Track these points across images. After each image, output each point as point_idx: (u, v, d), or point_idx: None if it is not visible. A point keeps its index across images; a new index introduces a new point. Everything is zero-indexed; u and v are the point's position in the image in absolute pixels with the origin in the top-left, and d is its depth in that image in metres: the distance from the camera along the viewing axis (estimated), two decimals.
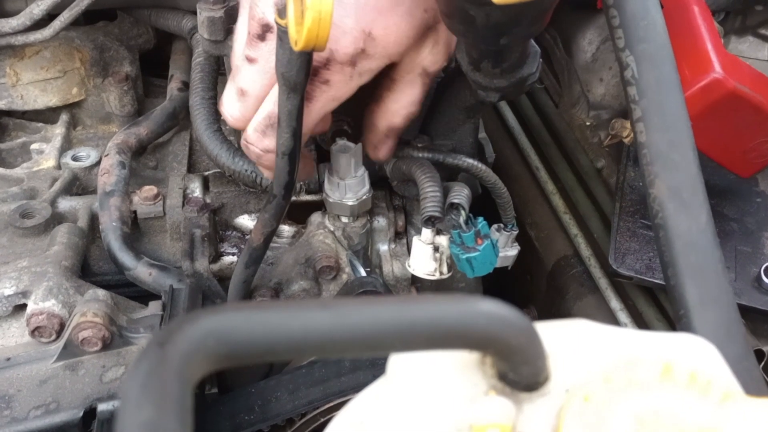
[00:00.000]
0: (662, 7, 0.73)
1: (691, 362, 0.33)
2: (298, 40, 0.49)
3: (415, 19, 0.59)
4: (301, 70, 0.54)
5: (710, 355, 0.34)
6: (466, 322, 0.30)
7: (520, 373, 0.32)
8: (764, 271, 0.82)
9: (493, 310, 0.30)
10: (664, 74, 0.55)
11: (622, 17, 0.56)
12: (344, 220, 0.76)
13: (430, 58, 0.63)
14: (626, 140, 0.90)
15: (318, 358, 0.66)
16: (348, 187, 0.72)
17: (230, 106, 0.64)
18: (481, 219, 0.70)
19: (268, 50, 0.59)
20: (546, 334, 0.33)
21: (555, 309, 0.95)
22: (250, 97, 0.62)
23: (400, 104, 0.66)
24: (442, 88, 0.75)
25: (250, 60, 0.60)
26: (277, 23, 0.53)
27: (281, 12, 0.52)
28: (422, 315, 0.29)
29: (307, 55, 0.54)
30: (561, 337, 0.34)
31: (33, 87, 0.90)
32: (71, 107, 0.94)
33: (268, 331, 0.28)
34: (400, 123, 0.68)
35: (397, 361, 0.33)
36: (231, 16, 0.71)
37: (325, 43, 0.49)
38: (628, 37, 0.56)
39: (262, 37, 0.59)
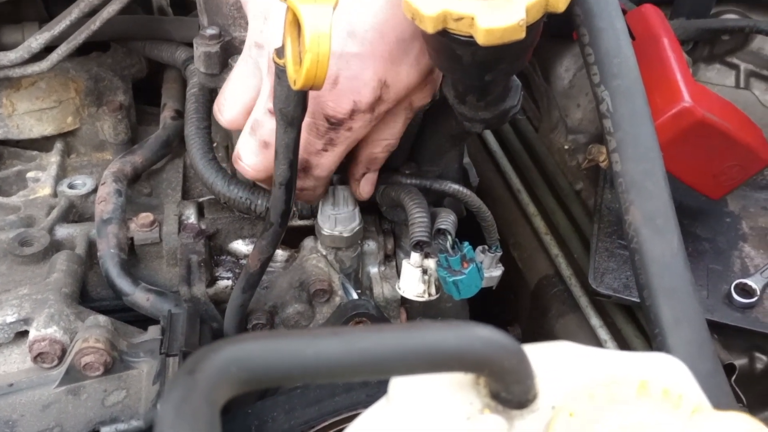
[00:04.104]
0: (633, 39, 0.78)
1: (664, 379, 0.36)
2: (297, 79, 0.52)
3: (421, 65, 0.63)
4: (298, 106, 0.58)
5: (681, 373, 0.37)
6: (463, 346, 0.33)
7: (511, 392, 0.35)
8: (734, 288, 0.86)
9: (487, 335, 0.34)
10: (636, 108, 0.59)
11: (597, 55, 0.60)
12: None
13: (420, 95, 0.67)
14: (602, 164, 0.94)
15: None
16: (339, 219, 0.76)
17: (251, 159, 0.66)
18: (466, 244, 0.74)
19: None
20: (534, 355, 0.36)
21: (538, 326, 0.98)
22: (273, 149, 0.64)
23: (381, 134, 0.69)
24: (429, 117, 0.78)
25: (274, 114, 0.63)
26: (275, 62, 0.56)
27: (279, 52, 0.56)
28: (424, 341, 0.32)
29: (303, 93, 0.57)
30: (547, 358, 0.37)
31: (29, 117, 0.92)
32: (65, 135, 0.96)
33: (285, 358, 0.31)
34: (380, 154, 0.71)
35: (398, 383, 0.36)
36: (226, 51, 0.74)
37: (323, 82, 0.52)
38: (603, 74, 0.60)
39: None
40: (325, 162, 0.66)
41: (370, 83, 0.61)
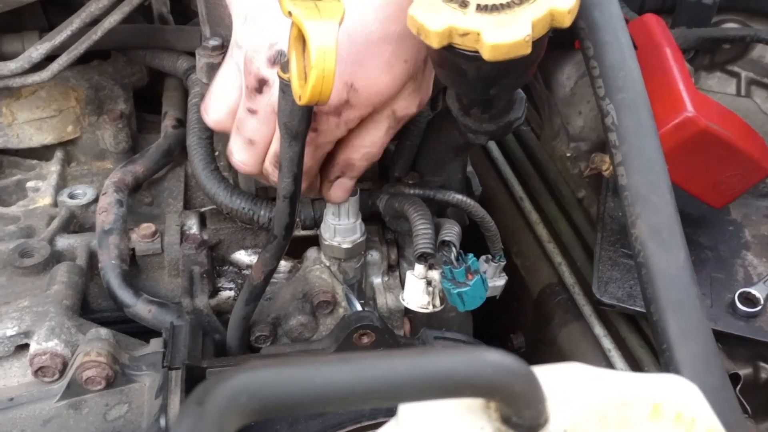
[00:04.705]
0: (636, 48, 0.78)
1: (677, 402, 0.36)
2: (302, 95, 0.52)
3: (394, 69, 0.62)
4: (303, 120, 0.57)
5: (694, 395, 0.37)
6: (474, 372, 0.32)
7: (522, 416, 0.34)
8: (738, 297, 0.86)
9: (497, 360, 0.33)
10: (641, 121, 0.59)
11: (601, 68, 0.60)
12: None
13: (402, 103, 0.65)
14: (605, 173, 0.94)
15: None
16: (338, 230, 0.75)
17: (240, 155, 0.67)
18: (471, 255, 0.73)
19: (266, 101, 0.62)
20: (544, 378, 0.35)
21: (541, 335, 0.98)
22: (259, 145, 0.66)
23: (361, 140, 0.68)
24: (433, 127, 0.78)
25: (252, 111, 0.64)
26: (279, 77, 0.56)
27: (284, 66, 0.55)
28: (434, 367, 0.32)
29: (308, 107, 0.56)
30: (558, 381, 0.37)
31: (29, 126, 0.92)
32: (65, 144, 0.96)
33: (295, 387, 0.30)
34: (357, 160, 0.69)
35: (407, 408, 0.36)
36: None
37: (328, 97, 0.52)
38: (608, 87, 0.60)
39: (259, 90, 0.62)
40: None
41: (335, 85, 0.60)
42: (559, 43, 1.05)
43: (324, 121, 0.63)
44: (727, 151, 0.85)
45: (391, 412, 0.36)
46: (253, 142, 0.66)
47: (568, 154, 1.06)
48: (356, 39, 0.60)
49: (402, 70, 0.63)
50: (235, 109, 0.67)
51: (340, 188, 0.72)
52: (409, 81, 0.64)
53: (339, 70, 0.59)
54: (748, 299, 0.86)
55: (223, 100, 0.67)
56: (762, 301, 0.86)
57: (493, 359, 0.33)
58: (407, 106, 0.66)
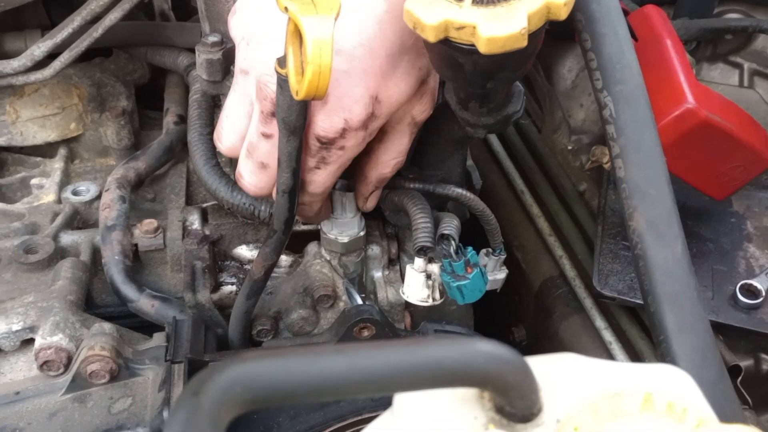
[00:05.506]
0: (636, 40, 0.77)
1: (669, 392, 0.36)
2: (299, 90, 0.53)
3: (411, 77, 0.63)
4: (300, 115, 0.58)
5: (686, 385, 0.37)
6: (467, 362, 0.33)
7: (515, 406, 0.35)
8: (739, 289, 0.86)
9: (490, 350, 0.34)
10: (639, 113, 0.59)
11: (599, 60, 0.60)
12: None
13: (419, 107, 0.66)
14: (606, 166, 0.94)
15: None
16: (341, 225, 0.76)
17: (252, 179, 0.67)
18: (470, 248, 0.74)
19: None
20: (537, 368, 0.36)
21: (542, 328, 0.98)
22: (271, 168, 0.65)
23: (390, 155, 0.69)
24: (432, 122, 0.78)
25: (266, 136, 0.63)
26: (277, 72, 0.56)
27: (281, 62, 0.56)
28: (427, 358, 0.32)
29: (306, 102, 0.57)
30: (551, 371, 0.37)
31: (32, 123, 0.92)
32: (69, 141, 0.97)
33: (289, 377, 0.31)
34: (389, 173, 0.71)
35: (402, 398, 0.36)
36: (228, 58, 0.74)
37: (325, 92, 0.52)
38: (606, 79, 0.60)
39: (274, 114, 0.61)
40: (319, 179, 0.66)
41: (362, 100, 0.60)
42: (560, 34, 1.05)
43: (353, 137, 0.62)
44: (728, 142, 0.85)
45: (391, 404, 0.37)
46: (266, 166, 0.65)
47: (570, 147, 1.06)
48: (378, 52, 0.60)
49: (417, 77, 0.64)
50: (246, 134, 0.67)
51: (374, 198, 0.75)
52: (422, 85, 0.65)
53: (366, 85, 0.60)
54: (750, 291, 0.86)
55: (234, 127, 0.67)
56: (763, 293, 0.86)
57: (486, 349, 0.33)
58: (424, 109, 0.67)
